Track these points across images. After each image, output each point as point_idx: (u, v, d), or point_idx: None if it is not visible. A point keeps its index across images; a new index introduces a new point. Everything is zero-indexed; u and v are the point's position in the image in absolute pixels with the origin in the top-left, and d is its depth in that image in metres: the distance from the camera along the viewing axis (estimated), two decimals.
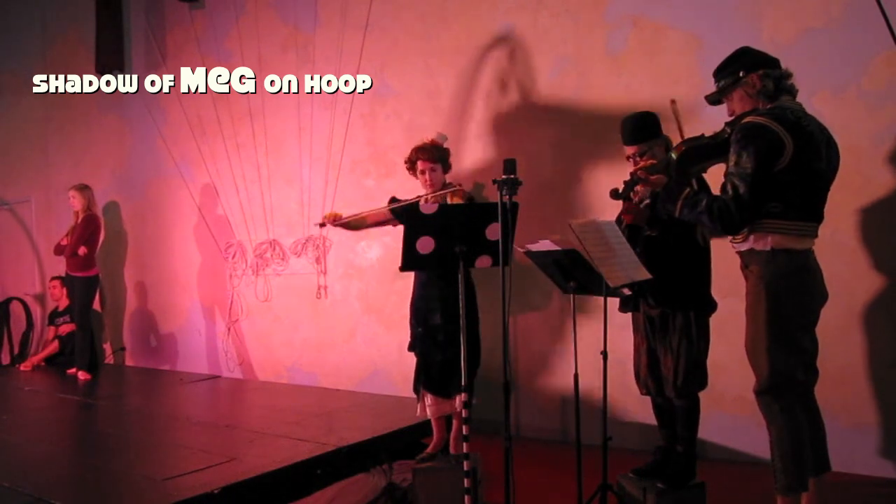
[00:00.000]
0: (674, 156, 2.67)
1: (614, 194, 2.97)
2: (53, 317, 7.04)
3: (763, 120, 2.44)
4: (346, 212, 3.88)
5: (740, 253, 2.60)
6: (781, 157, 2.39)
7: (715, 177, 2.70)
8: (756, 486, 3.16)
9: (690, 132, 2.75)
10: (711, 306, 2.98)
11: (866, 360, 3.43)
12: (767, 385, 2.50)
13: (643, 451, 3.38)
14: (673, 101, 2.78)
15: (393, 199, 3.80)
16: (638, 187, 2.89)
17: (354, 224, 3.86)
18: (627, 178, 2.92)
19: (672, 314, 2.94)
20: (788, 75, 2.57)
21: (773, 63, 2.57)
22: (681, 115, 2.78)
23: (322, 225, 3.90)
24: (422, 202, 3.37)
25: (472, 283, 3.51)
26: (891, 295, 3.38)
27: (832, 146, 2.54)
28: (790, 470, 2.47)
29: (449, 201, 3.42)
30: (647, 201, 2.84)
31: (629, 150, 3.03)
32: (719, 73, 2.66)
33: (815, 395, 2.62)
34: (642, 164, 2.88)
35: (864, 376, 3.43)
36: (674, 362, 2.93)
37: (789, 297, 2.46)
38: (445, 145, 3.68)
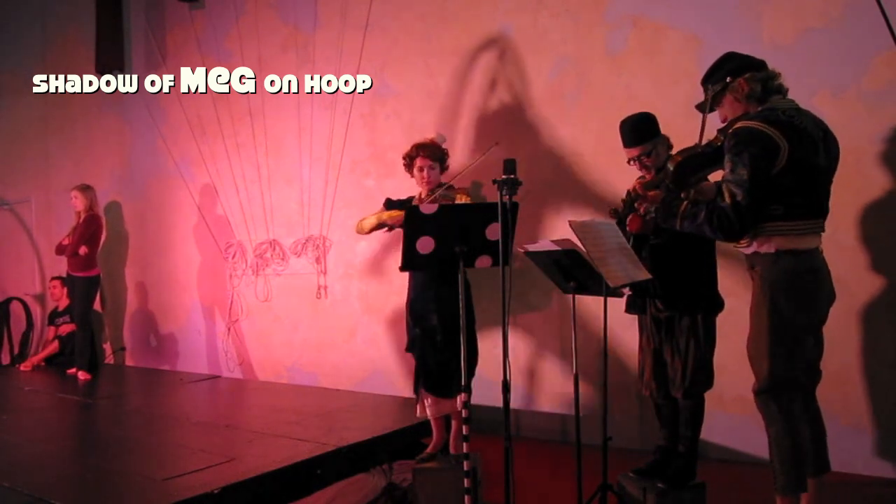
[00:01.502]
0: (670, 167, 2.67)
1: (613, 213, 3.02)
2: (53, 317, 7.04)
3: (755, 124, 2.43)
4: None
5: (746, 255, 2.59)
6: (777, 159, 2.38)
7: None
8: (756, 486, 3.15)
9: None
10: (719, 306, 2.97)
11: (866, 360, 3.43)
12: (766, 386, 2.49)
13: (643, 451, 3.38)
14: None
15: (388, 201, 3.80)
16: (637, 203, 2.89)
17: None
18: (627, 174, 2.91)
19: (680, 316, 2.94)
20: (776, 75, 2.56)
21: (758, 66, 2.56)
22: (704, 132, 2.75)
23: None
24: (430, 200, 3.36)
25: (468, 283, 3.51)
26: (891, 295, 3.37)
27: (830, 139, 2.52)
28: (788, 470, 2.47)
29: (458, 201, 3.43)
30: (653, 214, 2.85)
31: (633, 151, 3.01)
32: (706, 80, 2.65)
33: (816, 396, 2.62)
34: (639, 182, 2.90)
35: (864, 376, 3.43)
36: (682, 363, 2.93)
37: (793, 299, 2.45)
38: (444, 146, 3.69)
